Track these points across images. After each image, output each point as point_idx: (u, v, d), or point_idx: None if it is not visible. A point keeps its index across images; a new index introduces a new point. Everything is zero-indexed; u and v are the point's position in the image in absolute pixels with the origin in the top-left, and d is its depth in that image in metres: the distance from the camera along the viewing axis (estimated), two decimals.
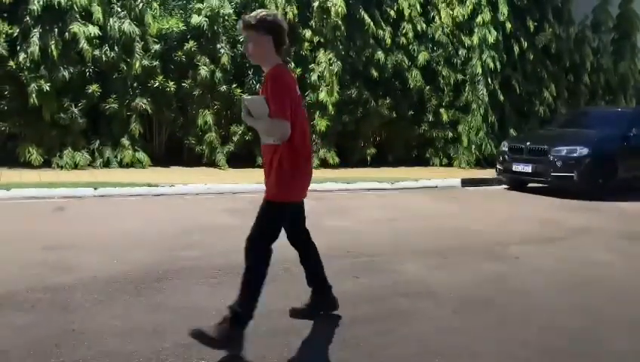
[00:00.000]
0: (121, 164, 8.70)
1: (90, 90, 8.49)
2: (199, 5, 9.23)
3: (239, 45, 9.16)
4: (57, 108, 8.34)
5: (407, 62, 10.87)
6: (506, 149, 8.67)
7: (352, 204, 6.72)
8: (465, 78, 11.48)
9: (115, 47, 8.62)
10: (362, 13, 10.30)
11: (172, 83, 8.92)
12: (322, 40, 10.05)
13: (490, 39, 11.09)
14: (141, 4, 8.82)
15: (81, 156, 8.46)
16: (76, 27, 8.24)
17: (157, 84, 8.80)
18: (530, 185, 8.63)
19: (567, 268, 4.07)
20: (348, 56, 10.29)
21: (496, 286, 3.56)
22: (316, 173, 9.72)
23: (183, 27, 9.13)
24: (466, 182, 8.92)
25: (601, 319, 3.03)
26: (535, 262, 4.19)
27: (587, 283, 3.70)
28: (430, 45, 11.25)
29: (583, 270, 4.03)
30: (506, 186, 8.89)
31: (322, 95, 9.81)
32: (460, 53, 11.50)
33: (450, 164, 11.38)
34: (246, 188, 7.02)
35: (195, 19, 9.07)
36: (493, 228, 5.48)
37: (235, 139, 9.41)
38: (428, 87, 11.17)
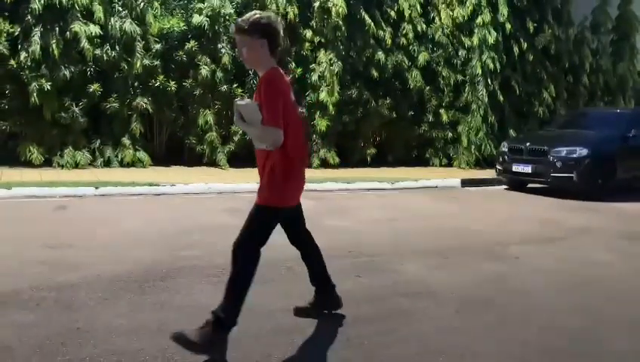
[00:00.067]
0: (121, 164, 8.71)
1: (91, 90, 8.50)
2: (200, 5, 9.24)
3: None
4: (58, 108, 8.35)
5: (407, 62, 10.90)
6: (506, 150, 8.70)
7: (352, 203, 6.74)
8: (465, 79, 11.52)
9: (116, 47, 8.63)
10: (363, 13, 10.32)
11: (173, 82, 8.94)
12: (323, 40, 10.07)
13: (490, 40, 11.13)
14: (142, 4, 8.83)
15: (82, 155, 8.47)
16: (77, 26, 8.25)
17: (158, 83, 8.81)
18: (529, 185, 8.66)
19: (567, 268, 4.10)
20: (348, 56, 10.32)
21: (496, 286, 3.58)
22: (316, 173, 9.79)
23: (184, 27, 9.15)
24: (465, 183, 8.94)
25: (601, 319, 3.05)
26: (535, 262, 4.21)
27: (587, 283, 3.72)
28: (430, 46, 11.29)
29: (583, 270, 4.05)
30: (505, 186, 8.92)
31: (323, 95, 9.83)
32: (459, 53, 11.53)
33: (449, 165, 11.42)
34: (247, 188, 7.03)
35: (196, 18, 9.09)
36: (493, 228, 5.50)
37: (235, 138, 9.43)
38: (428, 88, 11.21)
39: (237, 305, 2.34)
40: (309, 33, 10.02)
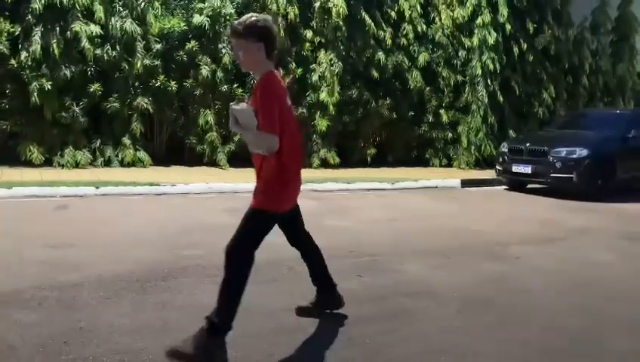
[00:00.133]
0: (122, 163, 8.72)
1: (91, 89, 8.51)
2: (201, 5, 9.25)
3: None
4: (59, 107, 8.36)
5: (407, 63, 10.92)
6: (506, 150, 8.72)
7: (353, 203, 6.76)
8: (465, 79, 11.54)
9: (117, 47, 8.64)
10: (363, 13, 10.34)
11: (173, 82, 8.95)
12: (323, 40, 10.09)
13: (490, 41, 11.15)
14: (143, 4, 8.84)
15: (82, 155, 8.48)
16: (78, 26, 8.26)
17: (158, 83, 8.82)
18: (529, 185, 8.68)
19: (567, 268, 4.11)
20: (349, 56, 10.33)
21: (496, 286, 3.59)
22: (316, 173, 9.79)
23: (185, 27, 9.16)
24: (465, 183, 8.96)
25: (601, 319, 3.06)
26: (535, 262, 4.22)
27: (587, 284, 3.73)
28: (430, 46, 11.31)
29: (583, 270, 4.07)
30: (505, 187, 8.93)
31: (323, 95, 9.84)
32: (459, 54, 11.55)
33: (449, 165, 11.44)
34: (247, 188, 7.02)
35: (197, 18, 9.10)
36: (493, 229, 5.51)
37: (236, 138, 9.43)
38: (428, 88, 11.22)
39: (231, 310, 2.30)
40: (309, 33, 10.04)
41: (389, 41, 10.63)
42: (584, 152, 7.87)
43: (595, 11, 13.81)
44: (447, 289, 3.45)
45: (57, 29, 8.25)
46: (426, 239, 4.93)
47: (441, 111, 11.38)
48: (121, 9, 8.76)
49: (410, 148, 11.59)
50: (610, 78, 13.99)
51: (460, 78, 11.49)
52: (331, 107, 9.85)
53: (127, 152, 8.74)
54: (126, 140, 8.79)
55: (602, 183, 7.95)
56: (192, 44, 9.07)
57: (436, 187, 8.63)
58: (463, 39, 11.54)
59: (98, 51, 8.52)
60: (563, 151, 7.99)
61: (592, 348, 2.67)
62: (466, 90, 11.49)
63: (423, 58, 11.00)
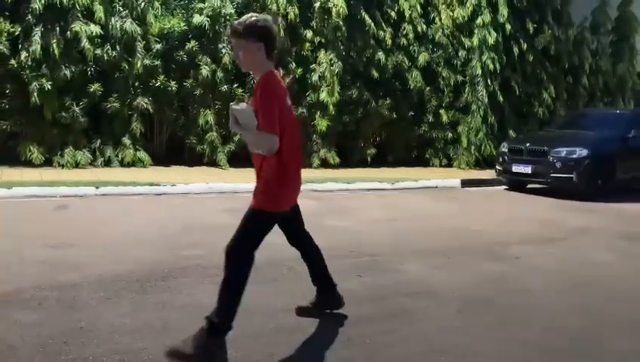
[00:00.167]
0: (122, 163, 8.72)
1: (91, 89, 8.51)
2: (201, 5, 9.26)
3: None
4: (59, 107, 8.36)
5: (407, 63, 10.93)
6: (506, 150, 8.72)
7: (353, 203, 6.76)
8: (465, 79, 11.54)
9: (117, 47, 8.64)
10: (363, 13, 10.35)
11: (173, 82, 8.96)
12: (323, 40, 10.09)
13: (490, 41, 11.15)
14: (143, 4, 8.84)
15: (82, 155, 8.48)
16: (78, 26, 8.27)
17: (158, 83, 8.83)
18: (529, 185, 8.68)
19: (567, 268, 4.11)
20: (349, 56, 10.34)
21: (496, 286, 3.59)
22: (316, 173, 9.77)
23: (185, 27, 9.16)
24: (465, 183, 8.96)
25: (601, 319, 3.07)
26: (535, 262, 4.22)
27: (587, 284, 3.74)
28: (430, 46, 11.32)
29: (583, 270, 4.07)
30: (505, 187, 8.94)
31: (323, 95, 9.85)
32: (459, 54, 11.56)
33: (449, 165, 11.44)
34: (247, 188, 7.02)
35: (197, 18, 9.10)
36: (493, 229, 5.52)
37: (235, 138, 9.44)
38: (428, 88, 11.23)
39: (231, 310, 2.30)
40: (309, 33, 10.04)
41: (389, 41, 10.63)
42: (584, 152, 7.88)
43: (595, 11, 13.81)
44: (447, 289, 3.45)
45: (57, 29, 8.26)
46: (426, 239, 4.93)
47: (441, 111, 11.38)
48: (121, 9, 8.76)
49: (410, 148, 11.60)
50: (610, 78, 14.00)
51: (459, 78, 11.50)
52: (331, 107, 9.85)
53: (127, 152, 8.75)
54: (126, 140, 8.79)
55: (602, 183, 7.96)
56: (192, 44, 9.08)
57: (436, 187, 8.63)
58: (463, 39, 11.54)
59: (98, 51, 8.53)
60: (563, 151, 8.00)
61: (592, 348, 2.67)
62: (466, 90, 11.49)
63: (423, 58, 11.00)
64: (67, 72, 8.27)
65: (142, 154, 8.87)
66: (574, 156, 7.89)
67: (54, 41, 8.15)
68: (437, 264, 4.05)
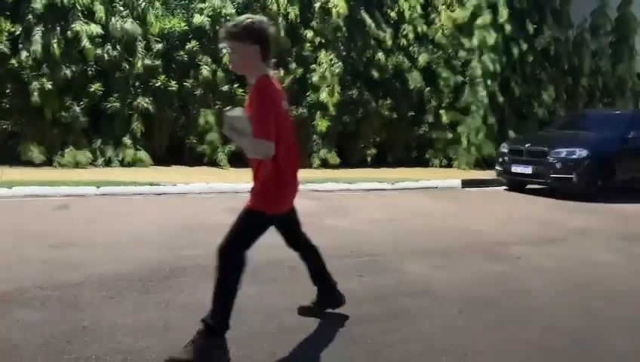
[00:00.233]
0: (122, 163, 8.73)
1: (92, 89, 8.52)
2: (201, 5, 9.27)
3: None
4: (59, 107, 8.37)
5: (407, 63, 10.94)
6: (506, 151, 8.73)
7: (353, 204, 6.76)
8: (465, 80, 11.55)
9: (117, 46, 8.65)
10: (363, 14, 10.36)
11: (174, 82, 8.97)
12: (323, 40, 10.10)
13: (490, 41, 11.16)
14: (143, 4, 8.85)
15: (83, 155, 8.48)
16: (78, 26, 8.28)
17: (159, 83, 8.84)
18: (529, 186, 8.69)
19: (568, 268, 4.12)
20: (349, 56, 10.35)
21: (497, 286, 3.60)
22: (317, 173, 9.76)
23: (185, 27, 9.17)
24: (465, 183, 8.97)
25: (601, 319, 3.08)
26: (535, 262, 4.24)
27: (587, 284, 3.75)
28: (430, 47, 11.32)
29: (583, 271, 4.08)
30: (505, 187, 8.95)
31: (323, 95, 9.85)
32: (459, 54, 11.56)
33: (449, 165, 11.45)
34: (247, 188, 6.93)
35: (197, 18, 9.11)
36: (493, 229, 5.53)
37: None
38: (428, 89, 11.24)
39: (225, 310, 2.30)
40: (309, 33, 10.05)
41: (389, 42, 10.64)
42: (584, 153, 7.89)
43: (595, 12, 13.82)
44: (447, 289, 3.46)
45: (58, 28, 8.27)
46: (427, 239, 4.94)
47: (441, 111, 11.39)
48: (122, 9, 8.77)
49: (410, 149, 11.60)
50: (609, 78, 14.01)
51: (459, 78, 11.50)
52: (331, 107, 9.86)
53: (128, 152, 8.75)
54: (126, 140, 8.80)
55: (602, 184, 7.97)
56: (192, 44, 9.09)
57: (436, 187, 8.64)
58: (462, 40, 11.55)
59: (98, 51, 8.53)
60: (563, 151, 8.01)
61: (592, 348, 2.68)
62: (466, 91, 11.50)
63: (423, 58, 11.02)
64: (67, 72, 8.28)
65: (142, 154, 8.88)
66: (574, 157, 7.91)
67: (55, 40, 8.16)
68: (437, 264, 4.06)
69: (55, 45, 8.13)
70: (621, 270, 4.19)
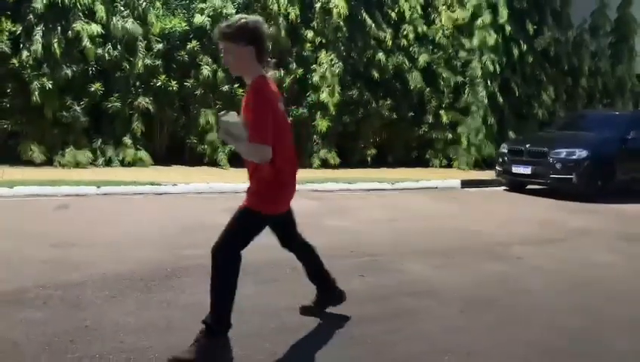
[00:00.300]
0: (122, 163, 8.73)
1: (92, 89, 8.52)
2: (202, 5, 9.27)
3: None
4: (59, 107, 8.37)
5: (407, 63, 10.95)
6: (506, 151, 8.75)
7: (353, 204, 6.77)
8: (465, 80, 11.57)
9: (118, 46, 8.66)
10: (364, 14, 10.37)
11: (174, 82, 8.97)
12: (324, 41, 10.11)
13: (490, 42, 11.18)
14: (144, 4, 8.85)
15: (83, 154, 8.48)
16: (79, 25, 8.28)
17: (159, 83, 8.84)
18: (529, 186, 8.71)
19: (568, 268, 4.13)
20: (349, 57, 10.36)
21: (497, 286, 3.62)
22: (317, 173, 9.77)
23: (186, 27, 9.17)
24: (465, 184, 8.98)
25: (601, 319, 3.09)
26: (535, 262, 4.25)
27: (587, 284, 3.76)
28: (431, 47, 11.33)
29: (583, 271, 4.09)
30: (505, 188, 8.96)
31: (323, 95, 9.86)
32: (460, 55, 11.58)
33: (449, 166, 11.46)
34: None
35: (198, 18, 9.12)
36: (493, 229, 5.54)
37: None
38: (428, 89, 11.25)
39: (224, 309, 2.30)
40: (310, 34, 10.06)
41: (390, 42, 10.65)
42: (584, 153, 7.90)
43: (595, 13, 13.84)
44: (449, 289, 3.48)
45: (59, 28, 8.26)
46: (427, 239, 4.96)
47: (441, 112, 11.40)
48: (123, 9, 8.77)
49: (410, 149, 11.61)
50: (609, 79, 14.03)
51: (459, 79, 11.52)
52: (332, 107, 9.87)
53: (128, 152, 8.76)
54: (127, 140, 8.80)
55: (602, 184, 7.99)
56: (193, 44, 9.09)
57: (436, 187, 8.66)
58: (463, 40, 11.57)
59: (99, 51, 8.54)
60: (563, 152, 8.03)
61: (592, 348, 2.69)
62: (466, 91, 11.52)
63: (423, 59, 11.02)
64: (68, 72, 8.28)
65: (142, 154, 8.88)
66: (574, 157, 7.92)
67: (55, 40, 8.16)
68: (438, 264, 4.07)
69: (56, 45, 8.13)
70: (621, 270, 4.21)
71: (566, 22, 12.97)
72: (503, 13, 11.34)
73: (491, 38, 11.16)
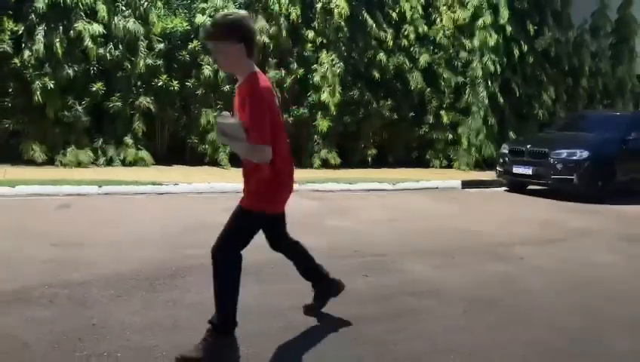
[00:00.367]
0: (124, 163, 8.75)
1: (94, 89, 8.54)
2: (203, 5, 9.29)
3: None
4: (61, 106, 8.39)
5: (408, 63, 10.97)
6: (507, 151, 8.77)
7: (354, 204, 6.80)
8: (465, 81, 11.59)
9: (120, 46, 8.68)
10: (365, 14, 10.39)
11: (176, 82, 8.99)
12: (325, 41, 10.13)
13: (491, 42, 11.20)
14: (146, 3, 8.87)
15: (85, 154, 8.51)
16: (81, 25, 8.30)
17: (161, 83, 8.86)
18: (529, 187, 8.74)
19: (568, 269, 4.16)
20: (350, 57, 10.38)
21: (498, 286, 3.64)
22: (317, 173, 9.78)
23: (187, 26, 9.19)
24: (466, 184, 9.01)
25: (601, 319, 3.11)
26: (536, 263, 4.27)
27: (587, 284, 3.79)
28: (431, 47, 11.36)
29: (584, 271, 4.12)
30: (505, 188, 8.99)
31: (324, 96, 9.88)
32: (460, 55, 11.60)
33: (450, 166, 11.49)
34: None
35: (199, 18, 9.13)
36: (493, 230, 5.56)
37: None
38: (429, 89, 11.27)
39: (228, 308, 2.32)
40: (311, 34, 10.07)
41: (391, 42, 10.68)
42: (584, 154, 7.93)
43: (595, 14, 13.86)
44: (450, 289, 3.50)
45: (60, 28, 8.28)
46: (427, 239, 4.98)
47: (442, 112, 11.43)
48: (124, 8, 8.79)
49: (411, 149, 11.64)
50: (609, 80, 14.05)
51: (460, 79, 11.54)
52: (332, 107, 9.89)
53: (129, 151, 8.78)
54: (128, 139, 8.82)
55: (602, 185, 8.01)
56: (194, 44, 9.11)
57: (437, 188, 8.68)
58: (463, 41, 11.59)
59: (101, 50, 8.55)
60: (563, 152, 8.05)
61: (592, 348, 2.71)
62: (467, 92, 11.54)
63: (423, 59, 11.05)
64: (70, 71, 8.30)
65: (144, 154, 8.90)
66: (575, 158, 7.95)
67: (57, 40, 8.17)
68: (439, 264, 4.09)
69: (57, 44, 8.15)
70: (621, 270, 4.23)
71: (566, 22, 13.00)
72: (504, 14, 11.36)
73: (492, 39, 11.18)
